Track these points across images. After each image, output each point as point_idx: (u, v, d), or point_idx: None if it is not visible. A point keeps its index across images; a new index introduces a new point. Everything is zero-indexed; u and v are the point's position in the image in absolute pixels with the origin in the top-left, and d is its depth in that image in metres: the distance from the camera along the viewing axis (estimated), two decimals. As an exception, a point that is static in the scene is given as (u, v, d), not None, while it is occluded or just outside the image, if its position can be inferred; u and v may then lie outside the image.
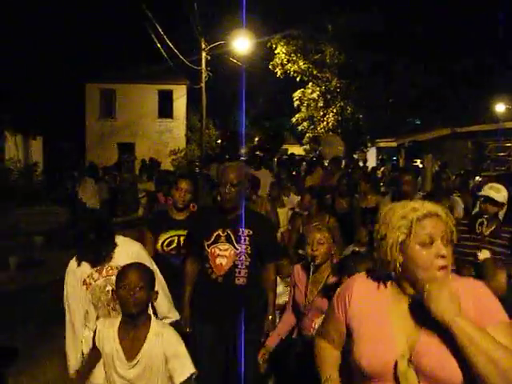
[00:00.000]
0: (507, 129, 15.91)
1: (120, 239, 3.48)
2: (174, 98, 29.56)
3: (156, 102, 29.56)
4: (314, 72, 22.47)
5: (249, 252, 3.86)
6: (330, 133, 19.38)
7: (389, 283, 2.01)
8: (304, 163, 16.15)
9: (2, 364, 5.11)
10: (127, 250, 3.43)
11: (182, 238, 4.47)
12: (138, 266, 2.91)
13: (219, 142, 32.67)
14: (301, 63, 22.22)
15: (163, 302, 3.67)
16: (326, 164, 12.45)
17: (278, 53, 22.37)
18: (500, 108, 24.04)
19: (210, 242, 3.88)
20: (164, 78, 28.54)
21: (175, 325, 3.58)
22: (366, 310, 2.01)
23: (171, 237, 4.49)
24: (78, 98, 27.96)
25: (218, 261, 3.86)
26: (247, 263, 3.87)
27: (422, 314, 1.84)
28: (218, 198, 4.29)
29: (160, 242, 4.49)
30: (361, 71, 21.91)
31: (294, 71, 22.41)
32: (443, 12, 21.63)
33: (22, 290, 7.53)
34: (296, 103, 23.20)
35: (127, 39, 27.50)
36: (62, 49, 25.48)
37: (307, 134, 23.54)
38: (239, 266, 3.85)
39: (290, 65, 22.34)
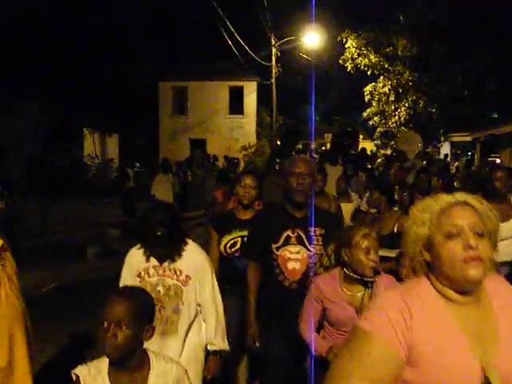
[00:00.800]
0: None
1: (190, 245, 3.30)
2: (244, 94, 29.86)
3: (227, 99, 29.97)
4: (386, 65, 22.10)
5: (322, 253, 3.43)
6: (407, 129, 18.94)
7: (433, 293, 1.67)
8: (379, 160, 15.75)
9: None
10: (193, 259, 3.25)
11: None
12: (126, 296, 2.28)
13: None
14: (371, 57, 21.92)
15: (211, 322, 3.32)
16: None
17: (349, 47, 22.15)
18: None
19: (279, 244, 3.50)
20: (235, 74, 28.92)
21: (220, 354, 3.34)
22: (431, 331, 1.61)
23: (235, 238, 4.22)
24: (151, 96, 28.76)
25: (290, 265, 3.48)
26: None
27: (487, 321, 1.62)
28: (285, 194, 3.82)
29: (223, 243, 4.23)
30: (434, 63, 21.40)
31: (365, 65, 22.12)
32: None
33: (99, 279, 7.84)
34: (367, 98, 22.90)
35: (198, 37, 28.03)
36: (136, 48, 26.27)
37: (378, 129, 23.24)
38: (314, 270, 3.44)
39: (360, 59, 22.07)
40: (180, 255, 3.22)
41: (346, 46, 22.24)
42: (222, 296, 3.43)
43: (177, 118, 29.89)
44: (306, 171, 3.50)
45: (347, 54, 22.23)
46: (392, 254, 4.40)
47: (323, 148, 32.81)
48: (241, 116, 30.10)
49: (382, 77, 22.40)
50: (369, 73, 22.35)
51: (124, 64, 25.42)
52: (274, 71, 24.24)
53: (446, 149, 26.10)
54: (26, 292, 3.38)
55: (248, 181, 4.35)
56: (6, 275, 2.99)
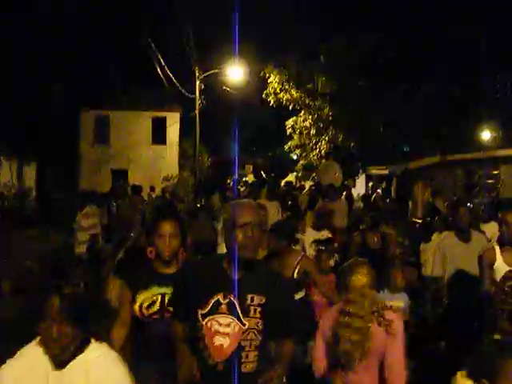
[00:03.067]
0: (494, 157, 16.30)
1: (97, 351, 2.42)
2: (167, 124, 29.94)
3: (149, 129, 29.92)
4: (307, 101, 22.88)
5: (260, 328, 2.78)
6: (327, 160, 19.67)
7: None
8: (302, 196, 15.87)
9: None
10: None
11: (167, 298, 3.34)
12: None
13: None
14: (293, 92, 22.65)
15: None
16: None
17: (271, 82, 22.80)
18: (486, 136, 24.63)
19: (206, 311, 2.79)
20: (157, 105, 28.98)
21: None
22: None
23: (153, 296, 3.36)
24: (72, 125, 28.19)
25: (216, 341, 2.76)
26: (257, 343, 2.79)
27: None
28: (222, 246, 3.28)
29: (138, 302, 3.35)
30: (351, 99, 22.37)
31: (287, 100, 22.82)
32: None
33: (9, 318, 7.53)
34: (289, 131, 23.56)
35: (121, 67, 27.88)
36: (57, 76, 25.76)
37: (300, 162, 23.90)
38: (247, 349, 2.77)
39: (282, 93, 22.75)
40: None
41: (268, 81, 22.88)
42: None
43: (98, 148, 29.43)
44: (254, 220, 2.78)
45: (270, 89, 22.86)
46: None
47: (244, 179, 33.16)
48: (163, 146, 30.08)
49: (303, 111, 23.15)
50: (290, 107, 23.04)
51: (44, 91, 24.82)
52: (197, 103, 24.46)
53: (361, 181, 27.24)
54: None
55: (167, 228, 3.44)
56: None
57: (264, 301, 2.79)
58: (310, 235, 7.55)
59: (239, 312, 2.76)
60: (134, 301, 3.35)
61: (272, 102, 23.05)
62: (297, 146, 23.83)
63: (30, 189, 25.51)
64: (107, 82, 27.83)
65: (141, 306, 3.33)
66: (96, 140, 29.60)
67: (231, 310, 2.77)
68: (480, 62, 22.69)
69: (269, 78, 22.83)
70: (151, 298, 3.34)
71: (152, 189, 22.05)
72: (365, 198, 13.81)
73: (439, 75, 22.12)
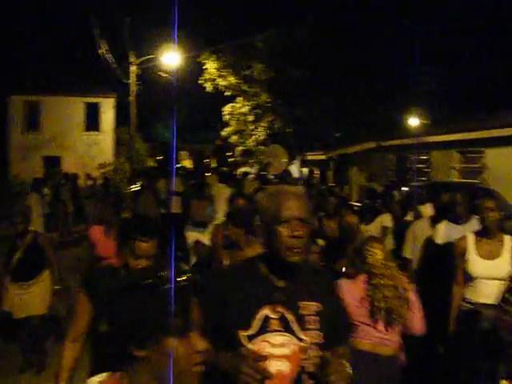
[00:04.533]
0: (425, 143, 17.04)
1: None
2: (101, 111, 29.34)
3: (83, 115, 29.22)
4: (244, 87, 23.05)
5: (321, 341, 2.18)
6: (275, 144, 19.82)
7: None
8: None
9: None
10: None
11: None
12: None
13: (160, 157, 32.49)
14: (231, 78, 22.76)
15: None
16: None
17: (208, 68, 22.82)
18: (415, 122, 25.60)
19: (252, 331, 2.13)
20: (91, 90, 28.34)
21: None
22: None
23: None
24: (1, 111, 27.20)
25: (273, 367, 2.08)
26: (317, 360, 2.13)
27: None
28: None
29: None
30: (287, 87, 22.71)
31: (224, 86, 22.91)
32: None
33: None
34: (226, 117, 23.68)
35: (54, 49, 27.14)
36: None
37: (239, 147, 24.10)
38: (308, 369, 2.14)
39: (219, 80, 22.83)
40: None
41: (204, 68, 22.89)
42: None
43: (29, 135, 28.49)
44: (303, 215, 2.16)
45: (206, 75, 22.87)
46: None
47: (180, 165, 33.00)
48: (97, 133, 29.49)
49: (240, 98, 23.31)
50: (228, 93, 23.15)
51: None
52: (132, 89, 24.09)
53: (296, 166, 27.74)
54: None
55: (144, 249, 2.79)
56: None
57: (321, 307, 2.21)
58: None
59: (296, 326, 2.15)
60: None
61: (209, 88, 23.07)
62: (234, 133, 23.97)
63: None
64: (38, 67, 27.01)
65: None
66: (26, 126, 28.63)
67: (285, 325, 2.14)
68: (410, 56, 23.53)
69: (205, 64, 22.83)
70: None
71: (88, 176, 21.67)
72: (308, 184, 14.04)
73: (369, 69, 22.74)
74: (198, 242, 5.34)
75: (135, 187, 13.79)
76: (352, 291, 3.70)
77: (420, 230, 5.90)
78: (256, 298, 2.16)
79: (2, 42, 24.63)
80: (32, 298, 5.59)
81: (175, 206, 9.91)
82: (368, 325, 3.66)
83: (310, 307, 2.18)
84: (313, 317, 2.17)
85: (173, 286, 1.47)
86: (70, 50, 25.18)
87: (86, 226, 14.38)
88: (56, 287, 5.74)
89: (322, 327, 2.18)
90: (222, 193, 9.05)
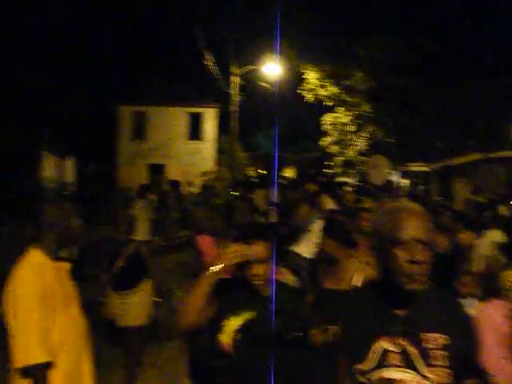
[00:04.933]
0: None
1: None
2: (203, 120, 30.20)
3: (186, 125, 30.20)
4: (344, 97, 22.87)
5: (450, 380, 1.90)
6: (378, 155, 19.44)
7: None
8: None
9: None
10: None
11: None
12: None
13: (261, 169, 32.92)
14: (331, 88, 22.65)
15: None
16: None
17: (308, 78, 22.85)
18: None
19: (370, 366, 1.92)
20: (194, 101, 29.24)
21: None
22: None
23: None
24: (110, 120, 28.70)
25: None
26: None
27: None
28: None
29: (228, 330, 2.57)
30: (389, 96, 22.28)
31: (324, 96, 22.84)
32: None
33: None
34: (325, 127, 23.58)
35: (159, 62, 28.29)
36: (97, 72, 26.26)
37: (339, 158, 23.90)
38: None
39: (320, 90, 22.78)
40: None
41: (305, 78, 22.93)
42: None
43: (135, 143, 29.84)
44: (425, 236, 1.90)
45: (307, 85, 22.90)
46: None
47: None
48: (200, 142, 30.37)
49: (341, 108, 23.14)
50: (328, 104, 23.05)
51: (85, 86, 25.33)
52: (234, 99, 24.60)
53: (396, 177, 27.06)
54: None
55: (259, 251, 2.65)
56: (75, 293, 3.12)
57: (449, 340, 1.92)
58: None
59: (420, 362, 1.89)
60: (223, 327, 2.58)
61: (309, 99, 23.08)
62: (334, 143, 23.81)
63: (69, 183, 26.01)
64: (145, 79, 28.25)
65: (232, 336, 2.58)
66: (133, 135, 30.01)
67: (407, 360, 1.90)
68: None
69: (305, 74, 22.88)
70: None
71: (189, 184, 22.32)
72: (411, 196, 13.55)
73: (478, 72, 21.86)
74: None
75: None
76: (489, 318, 3.34)
77: None
78: (372, 328, 1.94)
79: (111, 57, 25.98)
80: (131, 308, 5.43)
81: (272, 217, 9.87)
82: (504, 358, 3.25)
83: (436, 340, 1.91)
84: (439, 351, 1.88)
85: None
86: (175, 63, 26.11)
87: (190, 232, 14.82)
88: (155, 299, 5.62)
89: (450, 364, 1.88)
90: (322, 203, 8.92)
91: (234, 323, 2.56)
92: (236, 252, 2.55)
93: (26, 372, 2.75)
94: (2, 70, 20.13)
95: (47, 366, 2.77)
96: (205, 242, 5.25)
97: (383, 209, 2.05)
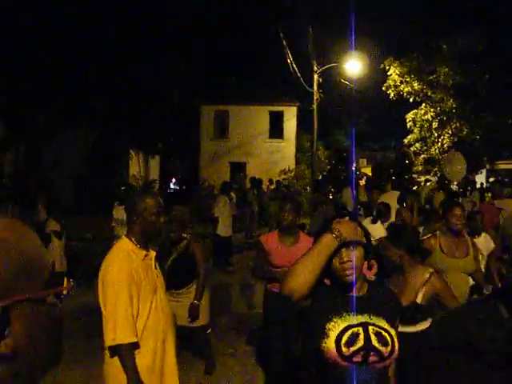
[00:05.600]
0: None
1: None
2: (284, 118, 30.38)
3: (267, 123, 30.50)
4: (428, 93, 22.33)
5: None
6: (453, 150, 18.87)
7: None
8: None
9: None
10: None
11: (372, 331, 2.32)
12: None
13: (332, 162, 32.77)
14: (414, 84, 22.18)
15: None
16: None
17: (391, 74, 22.47)
18: None
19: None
20: (275, 99, 29.46)
21: None
22: None
23: (353, 327, 2.32)
24: (193, 119, 29.45)
25: None
26: None
27: None
28: None
29: (333, 335, 2.30)
30: (476, 91, 21.55)
31: (408, 92, 22.39)
32: None
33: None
34: (409, 124, 23.11)
35: (240, 62, 28.67)
36: (181, 73, 26.93)
37: (422, 156, 23.39)
38: None
39: (403, 86, 22.35)
40: None
41: (388, 74, 22.57)
42: None
43: (217, 141, 30.46)
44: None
45: (390, 81, 22.53)
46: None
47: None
48: (280, 140, 30.56)
49: (424, 104, 22.60)
50: (411, 100, 22.58)
51: (168, 87, 26.05)
52: (315, 97, 24.55)
53: (482, 177, 26.07)
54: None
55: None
56: (160, 281, 3.30)
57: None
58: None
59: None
60: (324, 333, 2.32)
61: (392, 95, 22.70)
62: (417, 140, 23.30)
63: (155, 180, 26.95)
64: (226, 78, 28.75)
65: (338, 341, 2.27)
66: (216, 134, 30.66)
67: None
68: None
69: (388, 70, 22.51)
70: (352, 330, 2.30)
71: (271, 182, 22.52)
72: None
73: None
74: None
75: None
76: None
77: None
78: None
79: (195, 57, 26.55)
80: (179, 308, 5.06)
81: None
82: None
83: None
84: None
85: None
86: (256, 61, 26.39)
87: (268, 228, 15.02)
88: (196, 302, 5.21)
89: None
90: (393, 200, 8.89)
91: (338, 326, 2.32)
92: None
93: (115, 350, 2.95)
94: (94, 73, 21.07)
95: (134, 346, 2.96)
96: (271, 240, 5.06)
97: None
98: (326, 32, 24.71)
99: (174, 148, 28.96)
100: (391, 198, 9.38)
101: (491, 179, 25.48)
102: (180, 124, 27.99)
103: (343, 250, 2.36)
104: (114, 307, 2.94)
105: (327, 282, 2.44)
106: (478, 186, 21.15)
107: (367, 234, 2.53)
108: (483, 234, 6.41)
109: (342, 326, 2.31)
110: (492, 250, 6.01)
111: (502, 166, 24.22)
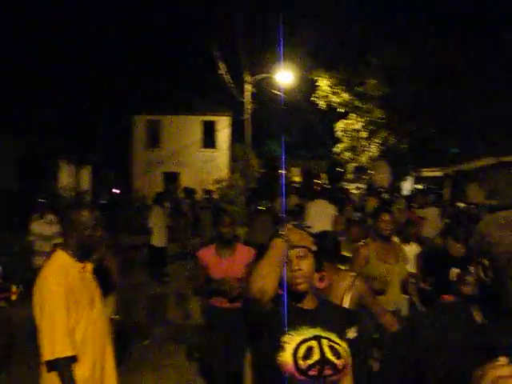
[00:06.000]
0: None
1: None
2: (217, 128, 30.50)
3: (200, 133, 30.52)
4: (357, 104, 23.01)
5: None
6: (379, 160, 19.53)
7: None
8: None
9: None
10: None
11: (325, 344, 2.29)
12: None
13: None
14: (344, 95, 22.80)
15: None
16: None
17: (321, 85, 23.02)
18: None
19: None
20: (208, 109, 29.56)
21: None
22: None
23: (307, 340, 2.28)
24: (125, 129, 29.11)
25: None
26: None
27: None
28: None
29: (289, 348, 2.25)
30: (402, 103, 22.37)
31: (337, 103, 22.99)
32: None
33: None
34: (338, 134, 23.72)
35: (173, 71, 28.63)
36: (112, 83, 26.61)
37: (351, 164, 24.04)
38: None
39: (332, 96, 22.94)
40: None
41: (318, 85, 23.10)
42: None
43: (150, 151, 30.21)
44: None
45: (320, 92, 23.07)
46: None
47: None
48: (213, 150, 30.65)
49: (353, 114, 23.27)
50: (340, 110, 23.19)
51: (99, 96, 25.67)
52: (247, 107, 24.79)
53: (409, 182, 27.10)
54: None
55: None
56: (97, 293, 3.30)
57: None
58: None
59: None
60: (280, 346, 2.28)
61: (322, 106, 23.24)
62: (346, 149, 23.93)
63: (86, 191, 26.40)
64: (159, 88, 28.61)
65: (295, 355, 2.24)
66: (148, 144, 30.40)
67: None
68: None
69: (318, 81, 23.05)
70: (307, 344, 2.26)
71: (206, 192, 22.51)
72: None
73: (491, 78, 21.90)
74: None
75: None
76: None
77: None
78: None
79: (126, 67, 26.32)
80: None
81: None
82: None
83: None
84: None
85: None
86: (189, 71, 26.43)
87: (201, 239, 15.01)
88: (114, 317, 5.04)
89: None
90: (323, 209, 9.06)
91: (294, 339, 2.26)
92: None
93: (52, 365, 2.91)
94: (20, 81, 20.51)
95: (73, 359, 2.94)
96: (208, 254, 4.97)
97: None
98: (259, 43, 25.07)
99: (106, 158, 28.48)
100: (323, 206, 9.57)
101: (419, 186, 26.59)
102: (112, 134, 27.58)
103: (294, 258, 2.36)
104: (51, 321, 2.91)
105: (279, 292, 2.33)
106: (404, 193, 22.00)
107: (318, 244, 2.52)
108: (412, 243, 6.65)
109: (298, 339, 2.26)
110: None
111: (427, 173, 25.22)
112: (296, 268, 2.35)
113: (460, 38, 21.08)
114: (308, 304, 2.42)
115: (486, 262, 1.57)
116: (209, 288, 4.87)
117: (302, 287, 2.36)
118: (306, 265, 2.37)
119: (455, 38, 20.96)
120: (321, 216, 8.74)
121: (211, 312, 4.96)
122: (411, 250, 6.31)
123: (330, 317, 2.41)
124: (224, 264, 4.84)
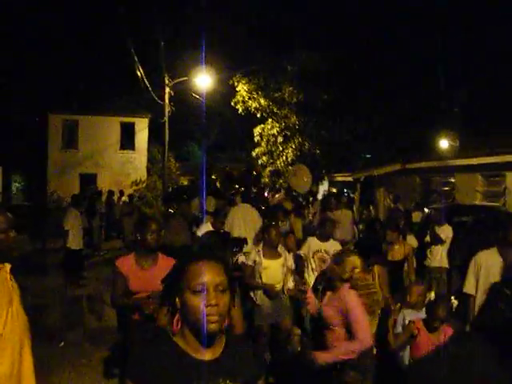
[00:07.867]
0: (450, 165, 17.36)
1: None
2: (136, 130, 30.31)
3: (118, 134, 30.22)
4: (274, 109, 23.60)
5: None
6: (300, 164, 19.99)
7: None
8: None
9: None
10: None
11: None
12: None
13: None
14: (261, 100, 23.33)
15: None
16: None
17: (239, 90, 23.45)
18: (444, 144, 25.71)
19: None
20: (126, 110, 29.32)
21: None
22: None
23: None
24: (40, 129, 28.35)
25: None
26: None
27: None
28: None
29: None
30: (316, 109, 23.21)
31: (255, 108, 23.48)
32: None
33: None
34: (256, 138, 24.21)
35: (91, 71, 28.15)
36: (26, 79, 25.88)
37: (268, 168, 24.58)
38: None
39: (250, 101, 23.42)
40: None
41: (237, 90, 23.52)
42: None
43: (67, 152, 29.58)
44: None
45: (238, 97, 23.49)
46: None
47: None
48: (131, 151, 30.44)
49: (270, 119, 23.85)
50: (258, 115, 23.70)
51: (12, 93, 24.94)
52: (166, 110, 24.83)
53: (323, 187, 28.17)
54: None
55: (210, 276, 1.95)
56: (16, 292, 3.46)
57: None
58: (314, 245, 7.18)
59: None
60: None
61: (240, 110, 23.67)
62: (264, 153, 24.45)
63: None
64: (77, 88, 28.07)
65: None
66: (65, 144, 29.75)
67: None
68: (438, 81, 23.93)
69: (237, 86, 23.46)
70: None
71: (121, 193, 22.47)
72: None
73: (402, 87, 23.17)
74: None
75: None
76: None
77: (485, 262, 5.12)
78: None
79: (41, 63, 25.66)
80: None
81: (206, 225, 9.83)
82: None
83: None
84: None
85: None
86: (107, 72, 26.12)
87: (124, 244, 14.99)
88: None
89: None
90: (246, 213, 9.29)
91: None
92: None
93: None
94: None
95: None
96: (127, 264, 4.63)
97: None
98: (178, 46, 25.20)
99: (17, 158, 27.55)
100: (244, 210, 9.57)
101: (333, 189, 27.64)
102: (24, 133, 26.77)
103: (211, 290, 1.90)
104: None
105: (175, 329, 1.96)
106: (320, 196, 22.86)
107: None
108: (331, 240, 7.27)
109: None
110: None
111: (339, 178, 26.28)
112: (213, 302, 1.88)
113: (369, 48, 22.22)
114: (215, 347, 1.98)
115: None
116: (127, 303, 4.52)
117: (215, 326, 1.89)
118: (223, 302, 1.92)
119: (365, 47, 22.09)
120: (244, 221, 8.96)
121: (133, 327, 4.52)
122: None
123: (241, 366, 1.99)
124: (143, 275, 4.49)
